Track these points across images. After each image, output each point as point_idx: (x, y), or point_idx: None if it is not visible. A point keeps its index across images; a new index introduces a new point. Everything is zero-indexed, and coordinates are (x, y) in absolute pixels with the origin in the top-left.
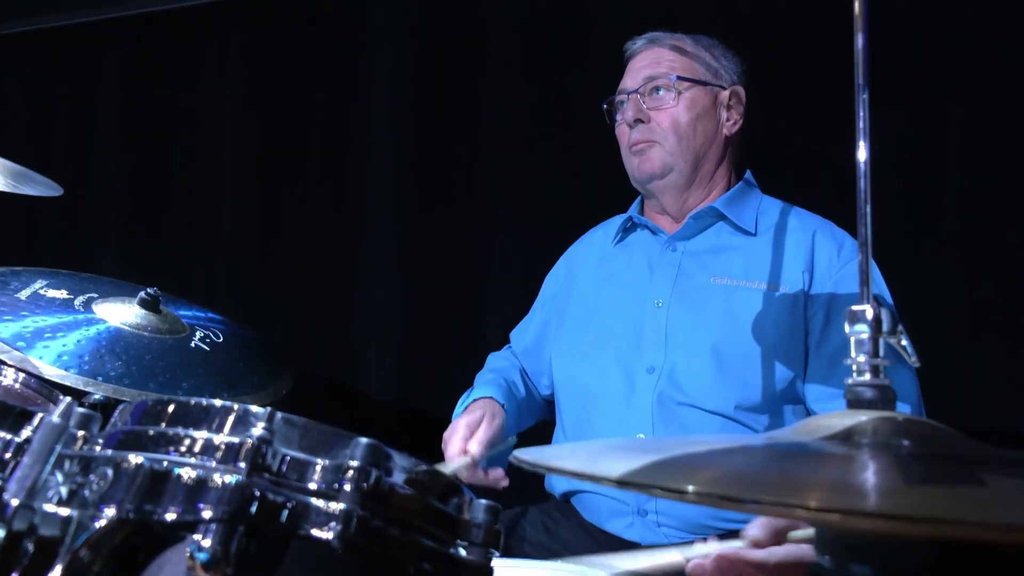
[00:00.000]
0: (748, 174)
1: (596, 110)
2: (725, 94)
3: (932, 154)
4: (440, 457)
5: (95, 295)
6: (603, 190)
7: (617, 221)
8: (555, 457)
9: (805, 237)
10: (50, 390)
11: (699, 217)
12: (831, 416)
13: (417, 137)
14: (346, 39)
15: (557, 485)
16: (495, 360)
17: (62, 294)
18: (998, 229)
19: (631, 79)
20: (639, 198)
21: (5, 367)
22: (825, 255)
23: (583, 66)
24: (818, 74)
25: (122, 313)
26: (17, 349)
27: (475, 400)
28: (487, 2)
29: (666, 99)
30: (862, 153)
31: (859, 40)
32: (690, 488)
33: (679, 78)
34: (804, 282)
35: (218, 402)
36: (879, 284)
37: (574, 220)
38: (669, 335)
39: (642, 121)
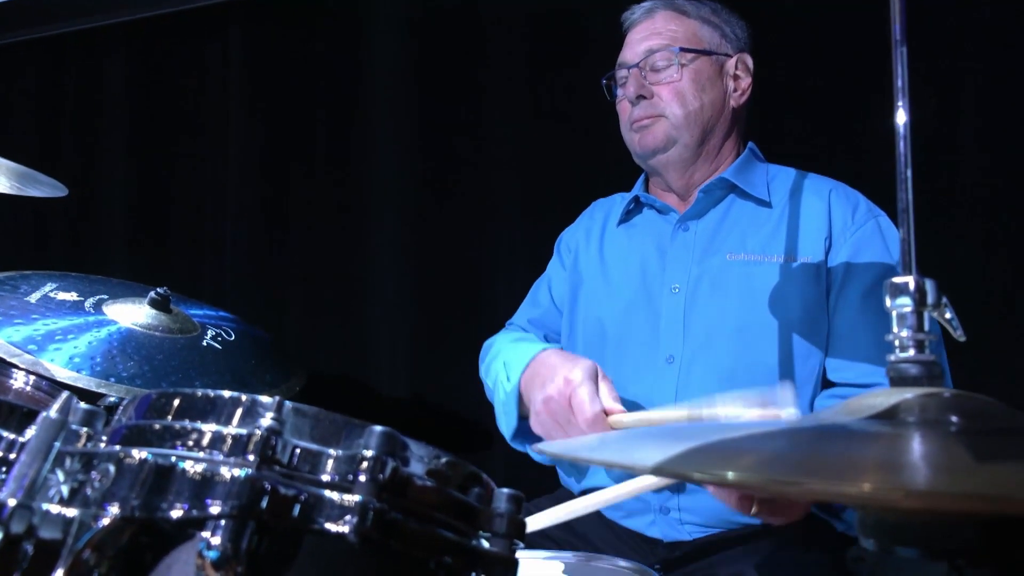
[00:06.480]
0: (751, 144)
1: (599, 97)
2: (731, 62)
3: (953, 129)
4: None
5: (105, 296)
6: (612, 178)
7: (616, 200)
8: (584, 448)
9: (821, 201)
10: (62, 392)
11: (709, 191)
12: (874, 395)
13: (421, 132)
14: (346, 35)
15: (576, 481)
16: (509, 333)
17: (72, 296)
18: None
19: (631, 52)
20: (643, 176)
21: (16, 370)
22: (840, 217)
23: (585, 54)
24: (839, 45)
25: (133, 314)
26: (29, 352)
27: (541, 352)
28: None
29: (669, 73)
30: (901, 116)
31: None
32: (729, 475)
33: (682, 49)
34: (824, 248)
35: (226, 393)
36: (894, 253)
37: (582, 210)
38: (688, 321)
39: (644, 97)
